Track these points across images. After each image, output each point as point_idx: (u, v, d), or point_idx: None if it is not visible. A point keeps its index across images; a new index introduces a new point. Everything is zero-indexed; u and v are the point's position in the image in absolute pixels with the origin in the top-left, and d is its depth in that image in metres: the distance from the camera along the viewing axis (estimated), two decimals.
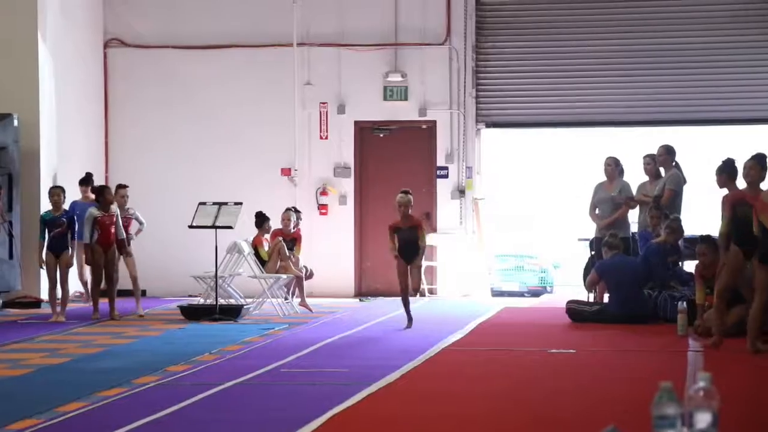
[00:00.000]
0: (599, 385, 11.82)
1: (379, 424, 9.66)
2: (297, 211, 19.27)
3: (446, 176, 22.18)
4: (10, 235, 20.34)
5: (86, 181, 19.91)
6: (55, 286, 18.16)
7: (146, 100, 23.41)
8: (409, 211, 14.42)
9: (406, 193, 15.06)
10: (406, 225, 14.32)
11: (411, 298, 15.06)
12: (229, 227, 18.45)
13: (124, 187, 19.67)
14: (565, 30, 22.70)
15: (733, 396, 8.82)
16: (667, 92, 22.60)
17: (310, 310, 18.65)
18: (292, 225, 18.71)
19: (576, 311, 17.28)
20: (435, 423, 9.60)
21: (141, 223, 20.29)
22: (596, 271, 17.62)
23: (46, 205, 19.03)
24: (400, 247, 14.44)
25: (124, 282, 18.87)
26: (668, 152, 18.39)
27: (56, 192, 18.28)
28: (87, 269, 19.22)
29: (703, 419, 3.94)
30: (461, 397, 10.63)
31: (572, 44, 22.77)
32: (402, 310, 15.37)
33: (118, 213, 18.47)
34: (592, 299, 18.18)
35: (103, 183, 20.47)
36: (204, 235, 18.91)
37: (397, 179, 21.47)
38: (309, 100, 22.91)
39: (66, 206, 18.50)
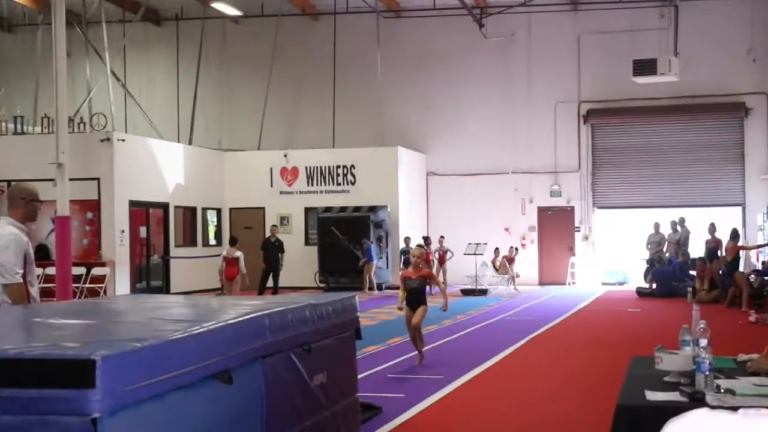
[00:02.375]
0: (651, 324, 16.21)
1: (554, 338, 14.62)
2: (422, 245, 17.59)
3: (579, 230, 28.61)
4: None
5: (426, 240, 25.00)
6: None
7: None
8: (420, 264, 11.71)
9: (421, 246, 13.93)
10: (416, 275, 11.48)
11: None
12: None
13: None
14: (644, 157, 28.16)
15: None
16: (710, 181, 27.53)
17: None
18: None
19: (641, 292, 23.47)
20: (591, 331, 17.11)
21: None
22: (651, 274, 24.09)
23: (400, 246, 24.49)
24: (408, 295, 11.57)
25: None
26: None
27: (407, 240, 25.05)
28: None
29: (703, 342, 4.40)
30: (598, 323, 16.78)
31: (649, 166, 28.16)
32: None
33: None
34: (648, 286, 23.86)
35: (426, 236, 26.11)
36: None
37: (557, 233, 28.77)
38: None
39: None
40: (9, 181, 22.83)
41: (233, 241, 20.48)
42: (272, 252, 23.20)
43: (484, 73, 29.11)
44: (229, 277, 19.59)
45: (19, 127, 25.43)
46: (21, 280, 6.50)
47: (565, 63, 28.58)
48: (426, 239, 25.60)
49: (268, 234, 24.57)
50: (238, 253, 19.74)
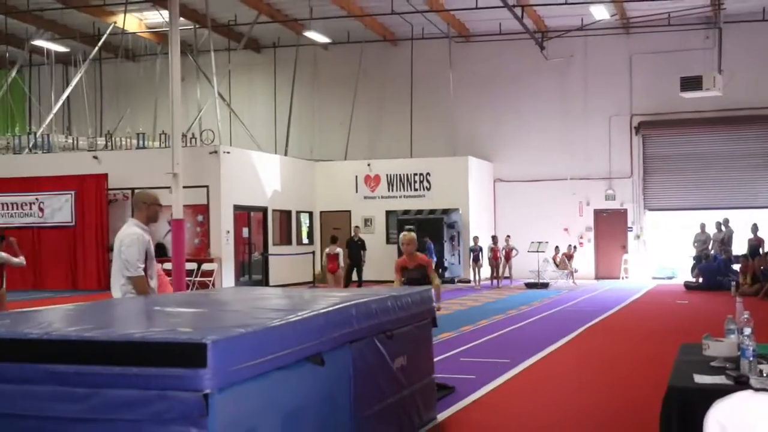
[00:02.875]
0: (698, 315, 15.94)
1: (609, 327, 14.56)
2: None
3: (631, 230, 28.33)
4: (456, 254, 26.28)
5: (494, 239, 25.51)
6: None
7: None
8: (414, 249, 8.88)
9: (409, 230, 9.58)
10: (413, 264, 8.82)
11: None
12: None
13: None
14: (690, 164, 27.80)
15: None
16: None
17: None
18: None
19: (688, 285, 23.17)
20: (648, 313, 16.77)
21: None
22: (697, 269, 23.81)
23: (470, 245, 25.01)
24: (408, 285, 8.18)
25: None
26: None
27: (476, 239, 25.16)
28: None
29: (747, 330, 4.31)
30: (649, 314, 16.45)
31: (695, 172, 27.77)
32: None
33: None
34: (694, 280, 23.53)
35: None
36: None
37: (612, 232, 28.52)
38: None
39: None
40: (133, 189, 23.42)
41: (334, 240, 21.23)
42: (356, 249, 23.30)
43: (544, 90, 28.96)
44: (330, 270, 20.54)
45: (141, 142, 25.94)
46: (143, 274, 6.64)
47: (618, 80, 28.33)
48: (494, 238, 25.81)
49: (352, 234, 24.68)
50: (338, 250, 20.62)
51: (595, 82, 28.47)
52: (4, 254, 12.17)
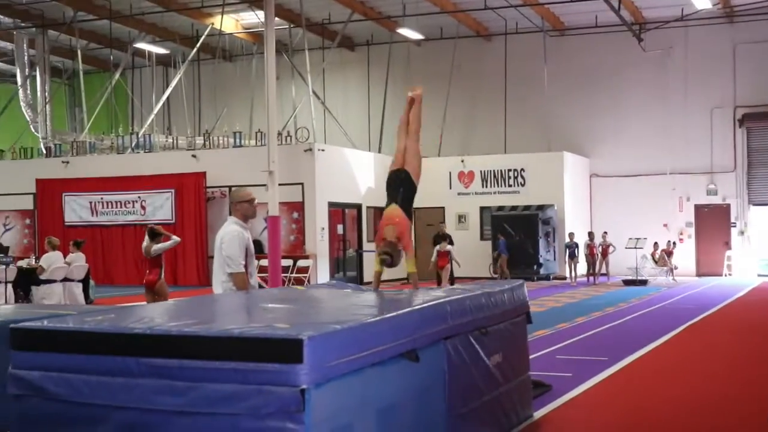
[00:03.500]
0: None
1: (712, 325, 14.29)
2: None
3: (735, 225, 27.76)
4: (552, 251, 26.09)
5: (590, 235, 25.26)
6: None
7: None
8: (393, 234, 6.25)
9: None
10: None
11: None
12: None
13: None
14: None
15: None
16: None
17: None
18: None
19: None
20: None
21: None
22: None
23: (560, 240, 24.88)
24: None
25: None
26: None
27: (572, 235, 24.94)
28: None
29: None
30: (756, 312, 16.50)
31: None
32: None
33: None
34: None
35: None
36: None
37: (713, 228, 28.00)
38: None
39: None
40: (230, 187, 23.93)
41: (444, 237, 21.91)
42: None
43: (642, 83, 28.43)
44: (440, 267, 20.98)
45: (237, 141, 26.43)
46: (243, 270, 6.77)
47: (720, 71, 27.60)
48: (590, 234, 25.51)
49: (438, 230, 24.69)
50: (449, 247, 21.08)
51: (696, 74, 27.81)
52: (159, 245, 12.52)
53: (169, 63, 32.55)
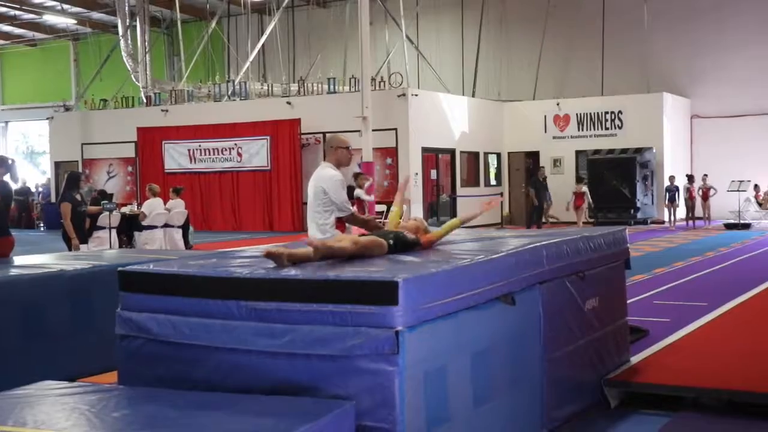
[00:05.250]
0: None
1: None
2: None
3: None
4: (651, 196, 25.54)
5: (690, 178, 24.38)
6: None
7: None
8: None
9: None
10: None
11: None
12: None
13: None
14: None
15: None
16: None
17: None
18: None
19: None
20: None
21: None
22: None
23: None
24: None
25: None
26: None
27: (672, 178, 24.28)
28: None
29: None
30: None
31: None
32: None
33: None
34: None
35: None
36: None
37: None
38: None
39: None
40: (324, 133, 24.12)
41: (580, 179, 23.77)
42: (543, 190, 23.38)
43: (748, 18, 27.19)
44: (576, 207, 22.94)
45: (332, 87, 26.53)
46: (353, 210, 6.93)
47: None
48: (690, 177, 24.79)
49: (538, 174, 24.54)
50: (585, 188, 22.92)
51: None
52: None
53: (263, 10, 32.71)
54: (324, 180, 6.74)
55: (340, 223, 7.08)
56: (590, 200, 23.15)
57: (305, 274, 4.00)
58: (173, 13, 32.59)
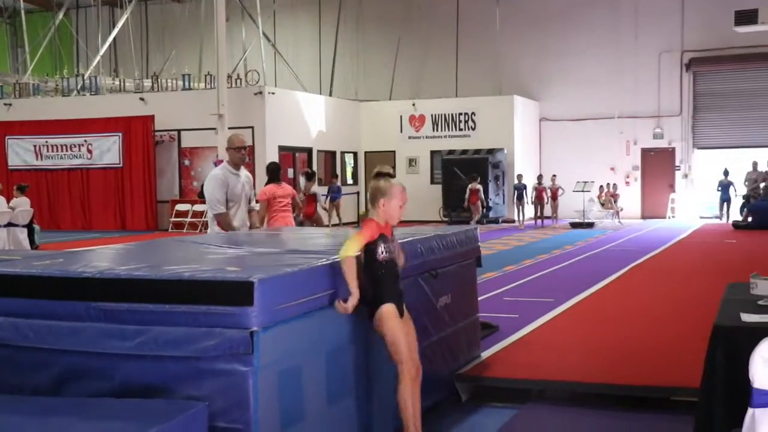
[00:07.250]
0: (746, 254, 15.97)
1: (655, 266, 14.46)
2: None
3: (679, 169, 27.96)
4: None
5: (540, 178, 25.46)
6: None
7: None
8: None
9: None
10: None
11: None
12: None
13: None
14: (742, 101, 27.26)
15: None
16: None
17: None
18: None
19: (737, 225, 22.76)
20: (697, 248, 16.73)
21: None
22: (747, 209, 23.42)
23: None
24: (393, 289, 4.56)
25: None
26: None
27: (519, 177, 25.09)
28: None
29: None
30: (696, 253, 16.63)
31: (747, 109, 27.26)
32: None
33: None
34: (743, 219, 23.28)
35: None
36: None
37: (659, 172, 27.99)
38: None
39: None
40: (179, 131, 23.66)
41: (473, 178, 23.85)
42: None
43: (593, 26, 28.34)
44: (472, 203, 23.66)
45: (186, 83, 26.09)
46: (223, 210, 7.08)
47: (669, 15, 27.51)
48: (539, 177, 25.71)
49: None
50: (479, 186, 23.66)
51: (646, 17, 27.73)
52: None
53: (115, 3, 31.76)
54: (207, 179, 7.04)
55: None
56: (482, 197, 24.23)
57: (157, 273, 3.92)
58: (16, 2, 31.15)
